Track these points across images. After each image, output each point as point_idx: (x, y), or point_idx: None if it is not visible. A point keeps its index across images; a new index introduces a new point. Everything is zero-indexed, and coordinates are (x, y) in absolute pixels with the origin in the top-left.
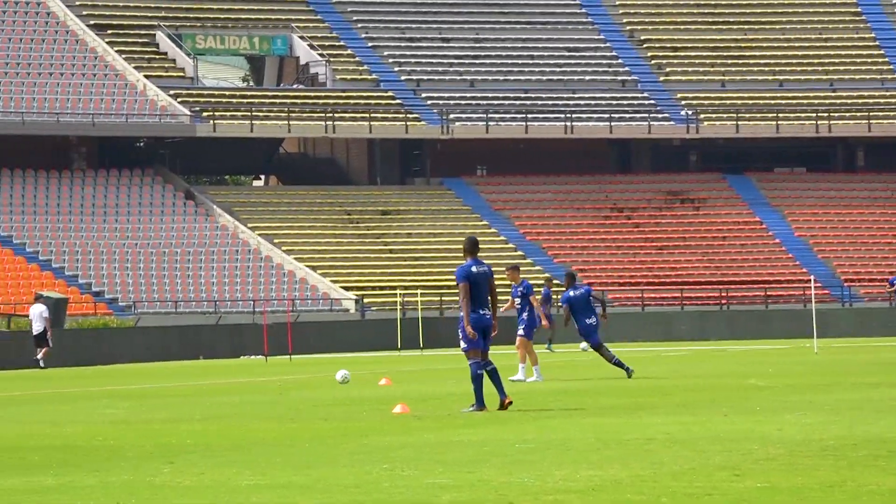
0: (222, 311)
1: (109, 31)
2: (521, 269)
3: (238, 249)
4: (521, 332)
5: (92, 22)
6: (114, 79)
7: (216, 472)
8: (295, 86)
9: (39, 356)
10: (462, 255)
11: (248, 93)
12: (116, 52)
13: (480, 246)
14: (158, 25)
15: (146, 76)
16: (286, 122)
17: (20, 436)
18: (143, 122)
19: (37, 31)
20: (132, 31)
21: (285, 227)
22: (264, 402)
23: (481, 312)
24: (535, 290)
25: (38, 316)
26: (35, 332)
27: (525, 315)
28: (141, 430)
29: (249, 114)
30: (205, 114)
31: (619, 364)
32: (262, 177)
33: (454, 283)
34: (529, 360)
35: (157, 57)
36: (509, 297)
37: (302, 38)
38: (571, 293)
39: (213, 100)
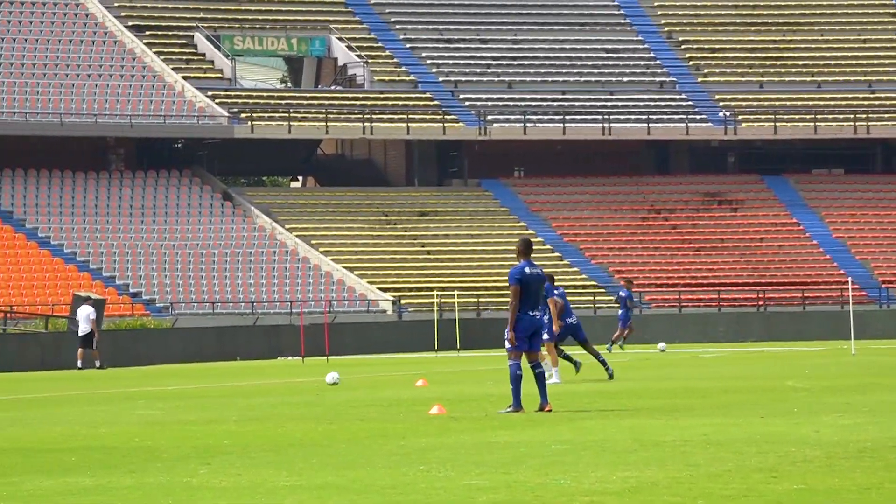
0: (259, 312)
1: (148, 33)
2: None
3: (275, 251)
4: (545, 336)
5: (130, 23)
6: (152, 80)
7: (253, 473)
8: (333, 87)
9: (80, 360)
10: (515, 256)
11: (286, 94)
12: (154, 53)
13: (518, 248)
14: (197, 27)
15: (184, 77)
16: (324, 123)
17: (58, 437)
18: (181, 123)
19: (75, 32)
20: (170, 33)
21: (323, 229)
22: (301, 404)
23: (532, 314)
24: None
25: (84, 318)
26: (81, 334)
27: (546, 319)
28: (178, 432)
29: (287, 115)
30: (243, 115)
31: (568, 358)
32: (300, 178)
33: (491, 284)
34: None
35: (196, 58)
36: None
37: (340, 39)
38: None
39: (251, 101)
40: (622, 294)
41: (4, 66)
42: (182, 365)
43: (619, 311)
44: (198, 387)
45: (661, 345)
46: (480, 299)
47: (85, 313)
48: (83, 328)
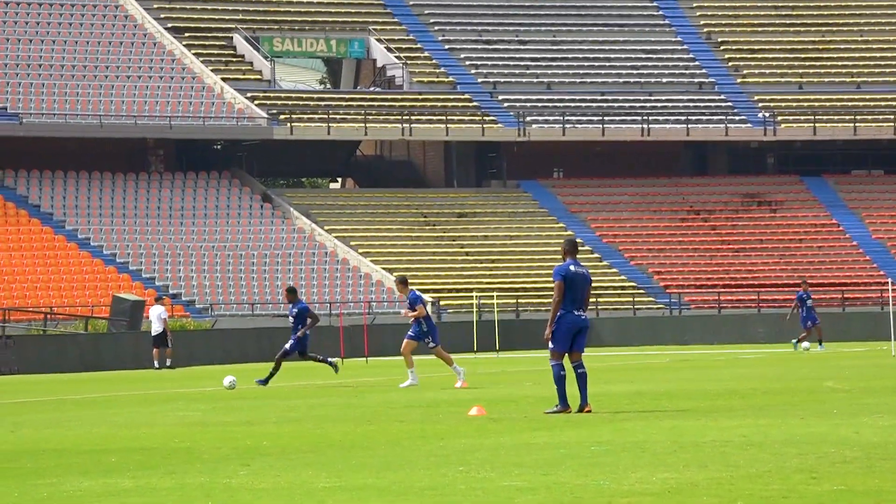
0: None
1: (187, 34)
2: (408, 281)
3: (314, 252)
4: (411, 333)
5: (169, 25)
6: (191, 81)
7: (292, 474)
8: (372, 88)
9: (156, 360)
10: (561, 256)
11: (325, 95)
12: (194, 54)
13: (558, 248)
14: (236, 28)
15: (223, 79)
16: (363, 124)
17: (98, 438)
18: (221, 124)
19: (114, 34)
20: (209, 34)
21: (362, 230)
22: (340, 405)
23: (576, 313)
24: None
25: (157, 317)
26: (154, 333)
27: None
28: (217, 433)
29: (326, 116)
30: (282, 116)
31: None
32: (339, 179)
33: (530, 285)
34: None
35: (235, 60)
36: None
37: (379, 40)
38: None
39: (290, 102)
40: (801, 295)
41: (45, 69)
42: (222, 366)
43: (801, 312)
44: (237, 388)
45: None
46: (519, 300)
47: (157, 313)
48: (156, 328)
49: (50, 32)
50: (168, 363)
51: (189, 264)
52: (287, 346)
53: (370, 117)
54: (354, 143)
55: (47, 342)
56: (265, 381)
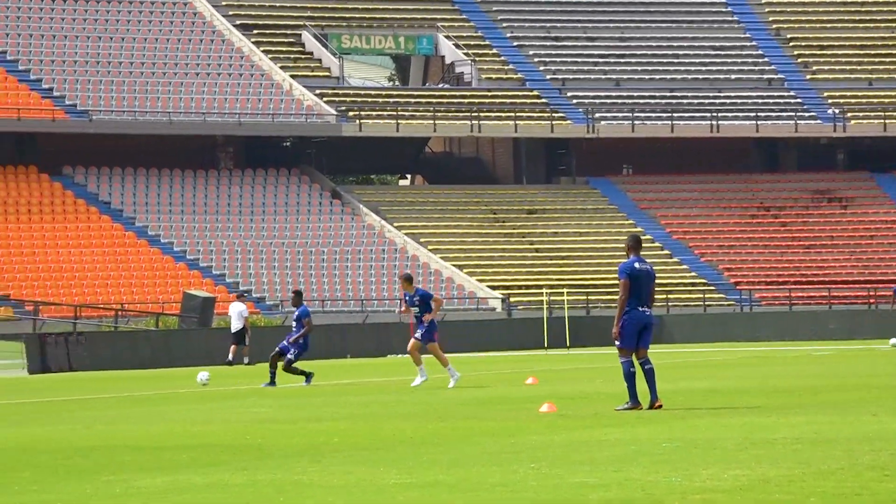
0: (369, 311)
1: (255, 31)
2: (412, 278)
3: (384, 248)
4: (418, 335)
5: (238, 22)
6: (260, 78)
7: (363, 470)
8: (440, 85)
9: (231, 355)
10: (625, 253)
11: (394, 92)
12: (262, 51)
13: (628, 244)
14: (304, 25)
15: (292, 76)
16: (432, 121)
17: (169, 434)
18: (289, 121)
19: (183, 31)
20: (278, 31)
21: (431, 227)
22: (411, 402)
23: (641, 310)
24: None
25: (237, 314)
26: (234, 330)
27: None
28: (288, 429)
29: (395, 113)
30: (351, 113)
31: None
32: (408, 176)
33: (600, 281)
34: (414, 361)
35: (303, 56)
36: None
37: (447, 37)
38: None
39: (358, 99)
40: None
41: (114, 66)
42: None
43: None
44: (307, 385)
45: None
46: (590, 297)
47: (237, 310)
48: (235, 325)
49: (119, 30)
50: (245, 360)
51: (259, 261)
52: (291, 355)
53: (439, 114)
54: (423, 140)
55: (118, 339)
56: (281, 378)
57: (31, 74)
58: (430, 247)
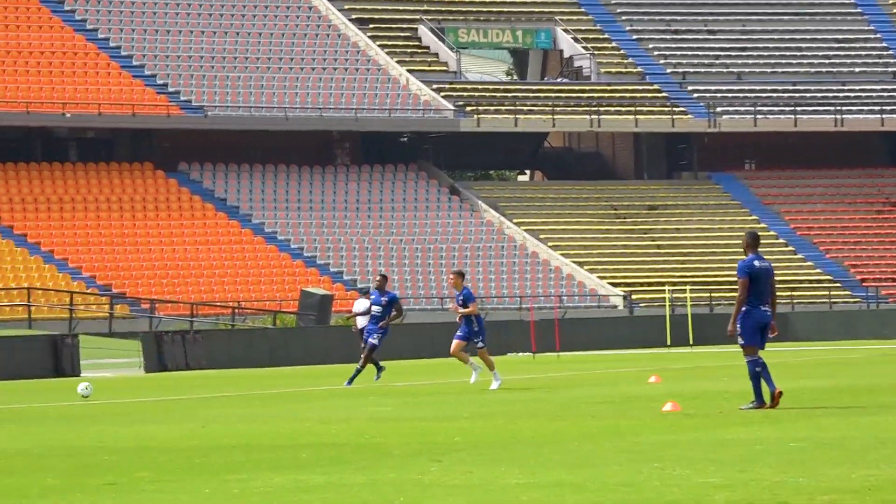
0: (489, 308)
1: (371, 26)
2: (465, 274)
3: (504, 245)
4: (459, 334)
5: (354, 16)
6: (376, 73)
7: (484, 470)
8: (559, 79)
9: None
10: (743, 250)
11: (512, 87)
12: (379, 46)
13: (746, 241)
14: (421, 19)
15: (409, 70)
16: (550, 116)
17: (290, 433)
18: (407, 116)
19: (299, 26)
20: (394, 26)
21: (551, 223)
22: (532, 400)
23: (762, 308)
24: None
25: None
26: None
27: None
28: (408, 428)
29: (513, 108)
30: (468, 108)
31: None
32: (527, 171)
33: (723, 278)
34: (461, 361)
35: (420, 51)
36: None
37: (566, 31)
38: None
39: (476, 94)
40: None
41: (229, 62)
42: (412, 361)
43: None
44: (427, 383)
45: None
46: (713, 294)
47: (363, 307)
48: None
49: (234, 25)
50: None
51: (377, 258)
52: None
53: (558, 109)
54: (542, 135)
55: (235, 337)
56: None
57: (145, 70)
58: (549, 243)
